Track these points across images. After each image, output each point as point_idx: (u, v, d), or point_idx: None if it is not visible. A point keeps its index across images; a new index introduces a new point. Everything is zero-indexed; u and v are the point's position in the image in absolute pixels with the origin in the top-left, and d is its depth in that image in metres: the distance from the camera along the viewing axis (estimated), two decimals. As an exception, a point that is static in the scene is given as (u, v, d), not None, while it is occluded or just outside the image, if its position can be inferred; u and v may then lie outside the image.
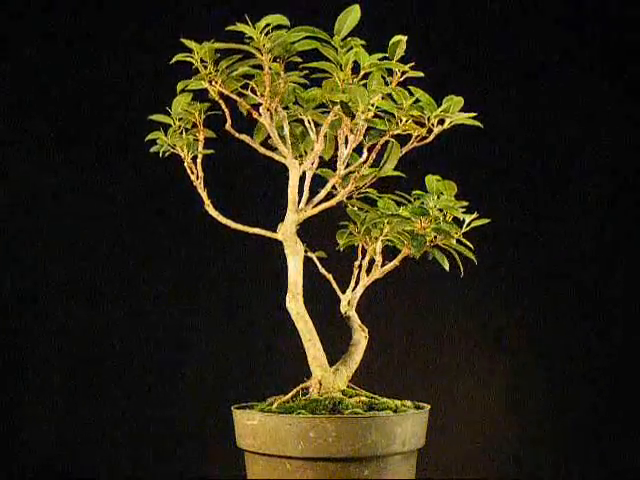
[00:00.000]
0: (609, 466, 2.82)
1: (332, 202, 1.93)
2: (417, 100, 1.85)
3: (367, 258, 2.03)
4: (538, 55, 2.85)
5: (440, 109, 1.84)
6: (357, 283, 2.04)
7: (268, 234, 1.97)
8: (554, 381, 2.85)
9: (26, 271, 2.79)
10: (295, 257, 1.96)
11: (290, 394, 1.93)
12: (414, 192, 1.99)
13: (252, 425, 1.84)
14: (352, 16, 1.84)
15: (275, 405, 1.91)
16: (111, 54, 2.81)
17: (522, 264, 2.86)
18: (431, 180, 1.97)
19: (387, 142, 1.90)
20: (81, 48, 2.80)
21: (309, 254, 2.01)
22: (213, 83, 1.88)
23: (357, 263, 2.05)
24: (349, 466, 1.79)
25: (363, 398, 1.90)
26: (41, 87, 2.81)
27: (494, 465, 2.81)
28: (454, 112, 1.84)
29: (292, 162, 1.93)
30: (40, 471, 2.77)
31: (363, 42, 1.83)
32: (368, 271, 2.04)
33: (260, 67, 1.86)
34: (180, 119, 1.94)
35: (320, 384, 1.91)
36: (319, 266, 2.06)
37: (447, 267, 1.96)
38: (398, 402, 1.91)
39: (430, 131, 1.88)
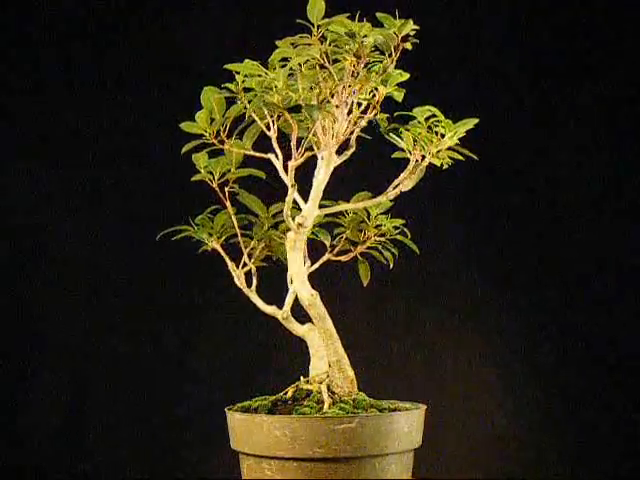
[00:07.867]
0: (614, 465, 2.74)
1: (358, 204, 1.92)
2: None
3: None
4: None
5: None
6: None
7: (283, 225, 1.87)
8: (555, 379, 2.76)
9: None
10: (300, 253, 1.88)
11: (326, 395, 1.85)
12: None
13: (348, 429, 1.75)
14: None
15: (326, 407, 1.82)
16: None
17: (521, 260, 2.78)
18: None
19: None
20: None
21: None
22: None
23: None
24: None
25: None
26: None
27: (494, 465, 2.72)
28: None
29: (331, 155, 1.85)
30: (38, 471, 2.74)
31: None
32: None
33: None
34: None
35: (352, 383, 1.89)
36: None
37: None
38: (373, 400, 1.98)
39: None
